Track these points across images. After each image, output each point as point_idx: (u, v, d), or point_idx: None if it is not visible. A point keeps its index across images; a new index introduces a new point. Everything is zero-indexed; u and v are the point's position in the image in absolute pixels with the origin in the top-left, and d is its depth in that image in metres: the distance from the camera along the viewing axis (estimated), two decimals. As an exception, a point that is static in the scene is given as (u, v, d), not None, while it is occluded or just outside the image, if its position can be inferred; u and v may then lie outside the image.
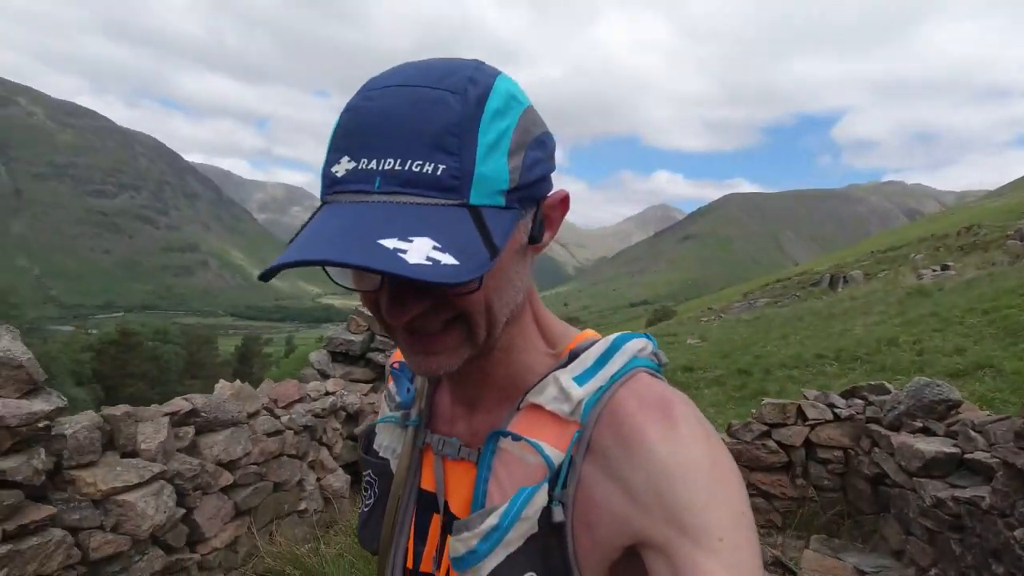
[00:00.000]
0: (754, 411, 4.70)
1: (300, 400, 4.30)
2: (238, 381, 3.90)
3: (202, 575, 3.06)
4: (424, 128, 0.48)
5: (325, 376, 5.08)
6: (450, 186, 0.48)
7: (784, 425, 4.46)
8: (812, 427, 4.39)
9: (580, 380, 0.59)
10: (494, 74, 0.54)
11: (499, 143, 0.51)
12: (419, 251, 0.44)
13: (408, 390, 0.71)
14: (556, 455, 0.56)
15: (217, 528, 3.19)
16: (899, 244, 30.74)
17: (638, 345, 0.62)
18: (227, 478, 3.33)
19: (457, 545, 0.57)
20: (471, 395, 0.66)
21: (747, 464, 4.46)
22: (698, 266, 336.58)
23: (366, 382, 5.24)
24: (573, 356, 0.61)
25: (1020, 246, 16.34)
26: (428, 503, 0.66)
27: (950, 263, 16.99)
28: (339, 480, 4.53)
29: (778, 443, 4.45)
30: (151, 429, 2.86)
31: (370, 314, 4.79)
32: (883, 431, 3.91)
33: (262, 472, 3.67)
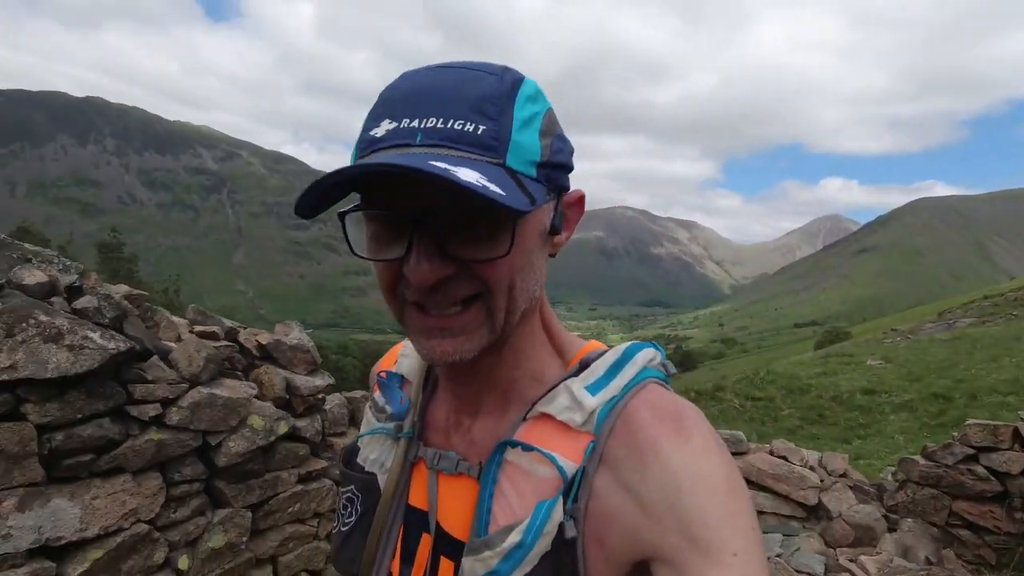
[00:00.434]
0: (955, 433, 4.22)
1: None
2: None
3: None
4: (465, 95, 0.50)
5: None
6: (490, 145, 0.49)
7: (996, 449, 3.96)
8: (1034, 454, 3.83)
9: (592, 390, 0.57)
10: (523, 76, 0.57)
11: (532, 121, 0.53)
12: (468, 175, 0.45)
13: (401, 400, 0.68)
14: (570, 467, 0.54)
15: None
16: None
17: (648, 355, 0.62)
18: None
19: (475, 566, 0.54)
20: (473, 399, 0.63)
21: (948, 490, 4.03)
22: (877, 282, 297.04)
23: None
24: (584, 365, 0.60)
25: None
26: (417, 521, 0.63)
27: None
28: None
29: (988, 469, 3.95)
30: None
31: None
32: None
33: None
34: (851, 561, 3.79)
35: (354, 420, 3.28)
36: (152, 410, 2.23)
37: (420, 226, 0.50)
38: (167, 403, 2.29)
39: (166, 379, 2.29)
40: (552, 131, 0.55)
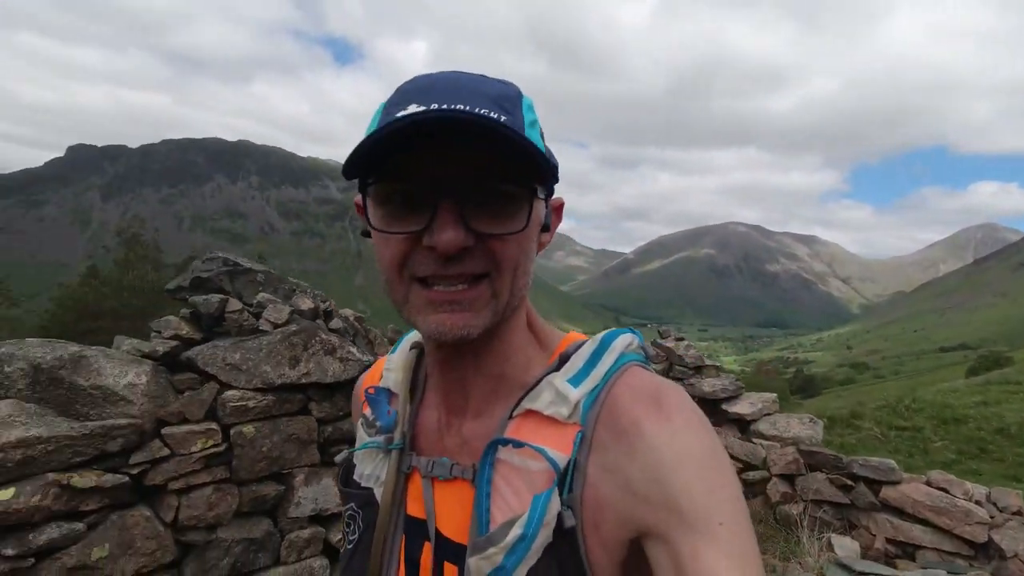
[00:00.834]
0: None
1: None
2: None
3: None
4: (484, 90, 0.54)
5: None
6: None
7: None
8: None
9: (574, 382, 0.59)
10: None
11: (535, 124, 0.57)
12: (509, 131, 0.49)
13: (389, 412, 0.69)
14: (561, 458, 0.55)
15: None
16: None
17: (625, 341, 0.64)
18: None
19: (481, 564, 0.55)
20: (461, 396, 0.64)
21: None
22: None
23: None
24: (564, 359, 0.62)
25: None
26: (417, 530, 0.63)
27: None
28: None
29: None
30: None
31: (667, 344, 5.32)
32: None
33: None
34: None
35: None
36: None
37: (444, 195, 0.52)
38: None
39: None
40: (542, 136, 0.60)
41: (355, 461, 0.72)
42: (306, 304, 2.67)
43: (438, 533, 0.61)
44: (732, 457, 4.71)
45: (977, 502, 4.48)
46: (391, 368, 0.74)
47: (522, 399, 0.60)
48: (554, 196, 0.62)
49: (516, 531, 0.54)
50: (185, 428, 2.53)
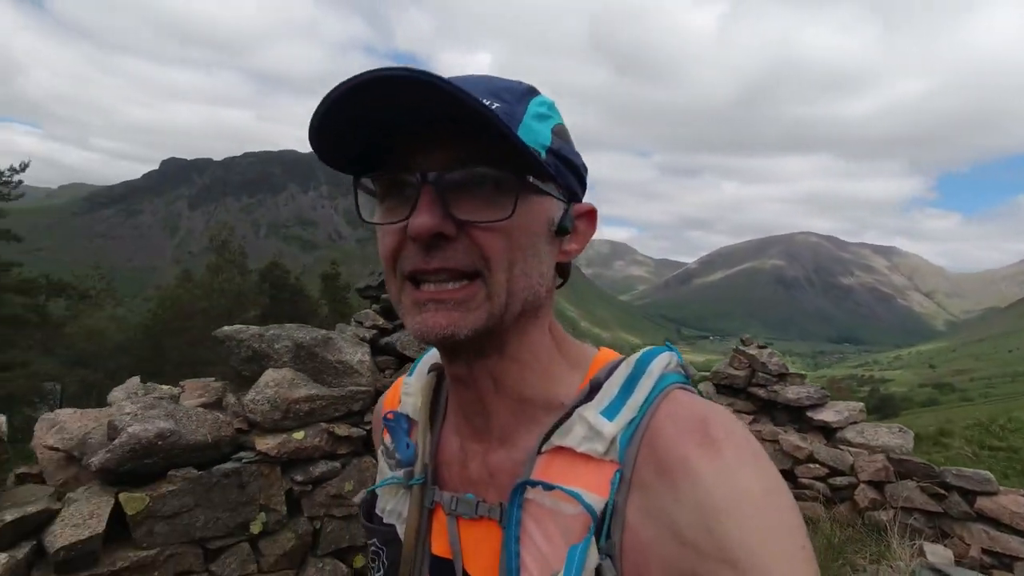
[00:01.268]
0: None
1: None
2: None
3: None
4: (484, 84, 0.54)
5: (712, 404, 5.97)
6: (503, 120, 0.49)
7: None
8: None
9: (609, 414, 0.54)
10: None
11: (544, 119, 0.55)
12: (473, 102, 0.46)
13: (408, 445, 0.65)
14: (597, 502, 0.51)
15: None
16: None
17: (663, 361, 0.57)
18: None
19: None
20: (483, 418, 0.60)
21: None
22: None
23: (747, 413, 5.92)
24: (595, 387, 0.57)
25: None
26: (443, 571, 0.59)
27: None
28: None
29: None
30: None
31: (750, 351, 5.49)
32: None
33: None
34: None
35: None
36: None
37: (424, 181, 0.50)
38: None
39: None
40: (563, 137, 0.57)
41: (378, 494, 0.68)
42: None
43: (465, 575, 0.58)
44: (818, 462, 4.82)
45: (1080, 518, 4.42)
46: (409, 392, 0.71)
47: (551, 433, 0.55)
48: (582, 202, 0.59)
49: None
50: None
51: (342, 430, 3.05)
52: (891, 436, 4.86)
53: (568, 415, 0.55)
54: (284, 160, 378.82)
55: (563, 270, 0.62)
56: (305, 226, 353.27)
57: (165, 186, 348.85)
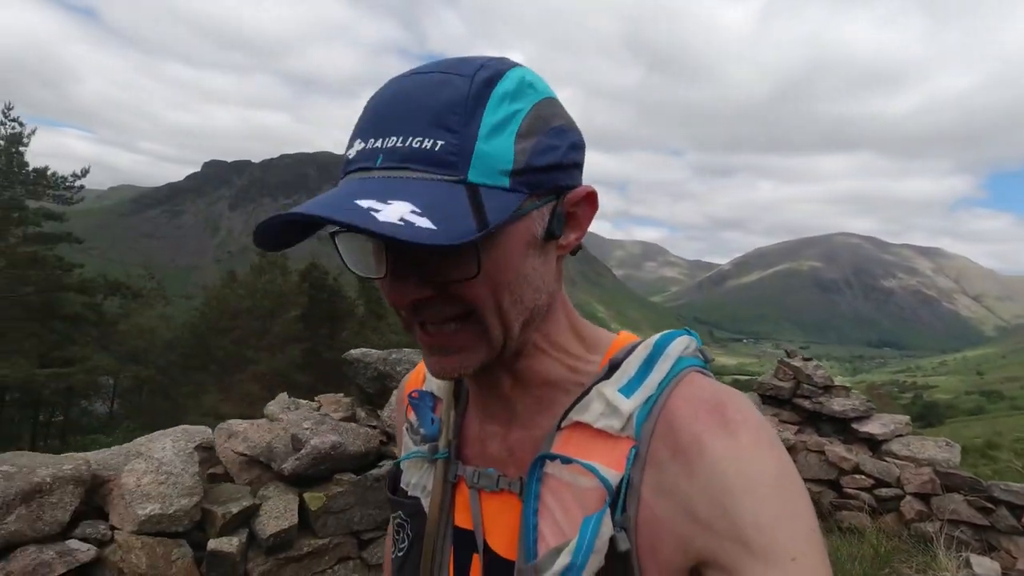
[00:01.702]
0: None
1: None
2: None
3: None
4: (427, 106, 0.48)
5: (756, 413, 6.10)
6: (448, 162, 0.46)
7: None
8: None
9: (626, 391, 0.55)
10: (511, 64, 0.53)
11: (507, 124, 0.49)
12: (394, 212, 0.43)
13: (432, 420, 0.67)
14: (613, 476, 0.52)
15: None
16: None
17: (682, 344, 0.58)
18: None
19: None
20: (504, 407, 0.61)
21: None
22: None
23: (793, 424, 6.03)
24: (614, 366, 0.57)
25: None
26: (466, 542, 0.61)
27: None
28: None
29: None
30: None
31: (795, 364, 5.64)
32: None
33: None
34: None
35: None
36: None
37: (394, 246, 0.48)
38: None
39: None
40: (539, 129, 0.51)
41: (402, 468, 0.70)
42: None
43: (487, 546, 0.59)
44: (864, 473, 4.93)
45: None
46: None
47: (570, 410, 0.56)
48: (577, 188, 0.55)
49: (564, 559, 0.50)
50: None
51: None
52: (938, 450, 4.93)
53: (586, 392, 0.57)
54: (319, 161, 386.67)
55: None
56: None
57: (206, 187, 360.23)
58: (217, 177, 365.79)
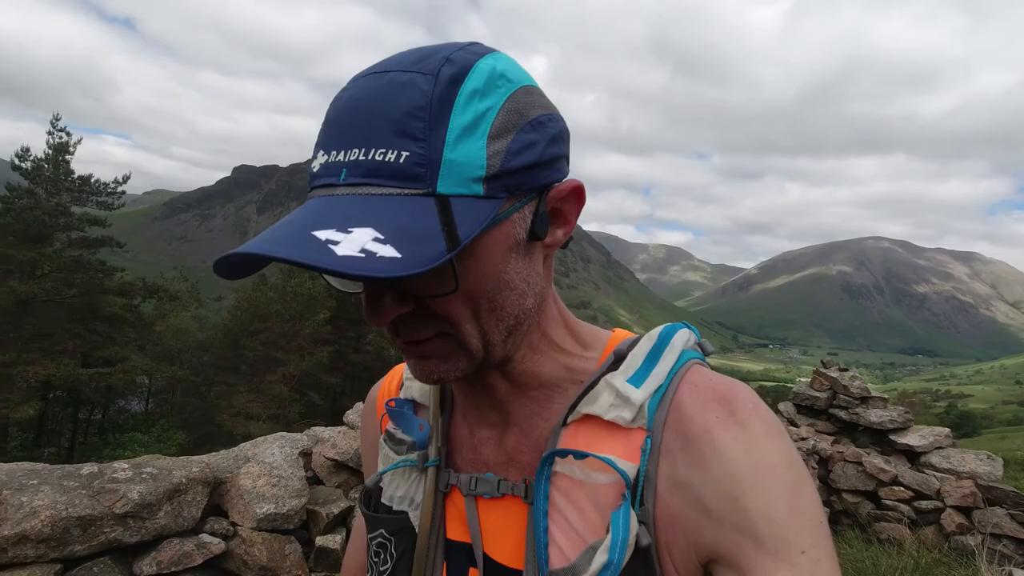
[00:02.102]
0: None
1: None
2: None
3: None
4: (389, 114, 0.44)
5: (793, 425, 6.12)
6: (414, 174, 0.43)
7: None
8: None
9: (635, 381, 0.53)
10: (481, 53, 0.49)
11: (477, 125, 0.45)
12: (354, 242, 0.40)
13: (421, 426, 0.63)
14: (630, 468, 0.49)
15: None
16: None
17: (684, 336, 0.58)
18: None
19: None
20: (499, 409, 0.58)
21: None
22: None
23: (828, 434, 6.05)
24: (619, 357, 0.56)
25: None
26: (460, 555, 0.57)
27: None
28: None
29: None
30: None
31: (831, 374, 5.67)
32: None
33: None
34: None
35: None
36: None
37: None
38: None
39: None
40: (514, 125, 0.47)
41: (382, 484, 0.65)
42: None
43: (487, 558, 0.56)
44: (903, 485, 4.93)
45: None
46: (412, 377, 0.68)
47: (577, 403, 0.54)
48: (560, 184, 0.51)
49: (601, 558, 0.47)
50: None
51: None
52: (979, 463, 4.92)
53: (594, 384, 0.55)
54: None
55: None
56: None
57: (236, 191, 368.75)
58: (246, 181, 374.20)
